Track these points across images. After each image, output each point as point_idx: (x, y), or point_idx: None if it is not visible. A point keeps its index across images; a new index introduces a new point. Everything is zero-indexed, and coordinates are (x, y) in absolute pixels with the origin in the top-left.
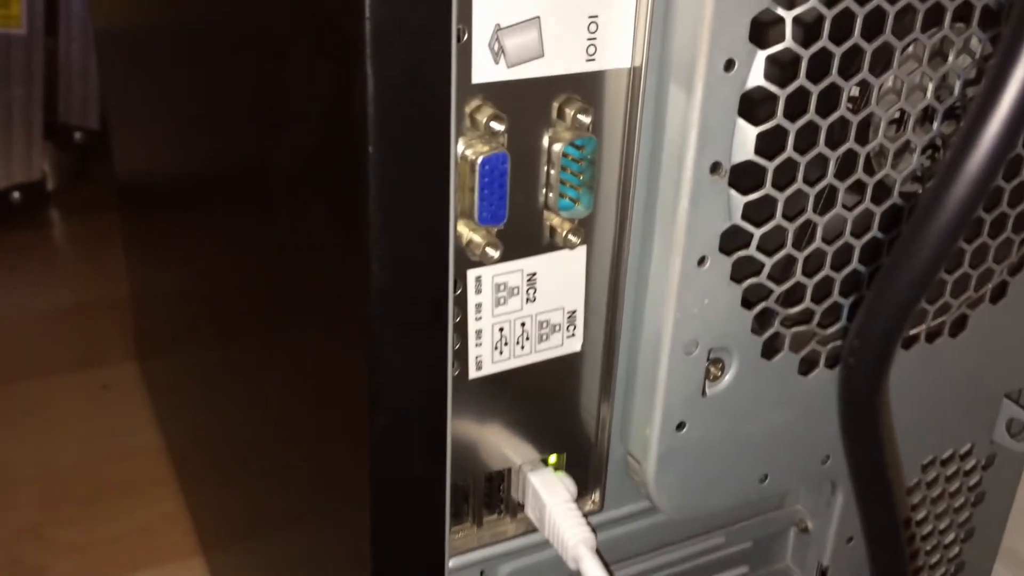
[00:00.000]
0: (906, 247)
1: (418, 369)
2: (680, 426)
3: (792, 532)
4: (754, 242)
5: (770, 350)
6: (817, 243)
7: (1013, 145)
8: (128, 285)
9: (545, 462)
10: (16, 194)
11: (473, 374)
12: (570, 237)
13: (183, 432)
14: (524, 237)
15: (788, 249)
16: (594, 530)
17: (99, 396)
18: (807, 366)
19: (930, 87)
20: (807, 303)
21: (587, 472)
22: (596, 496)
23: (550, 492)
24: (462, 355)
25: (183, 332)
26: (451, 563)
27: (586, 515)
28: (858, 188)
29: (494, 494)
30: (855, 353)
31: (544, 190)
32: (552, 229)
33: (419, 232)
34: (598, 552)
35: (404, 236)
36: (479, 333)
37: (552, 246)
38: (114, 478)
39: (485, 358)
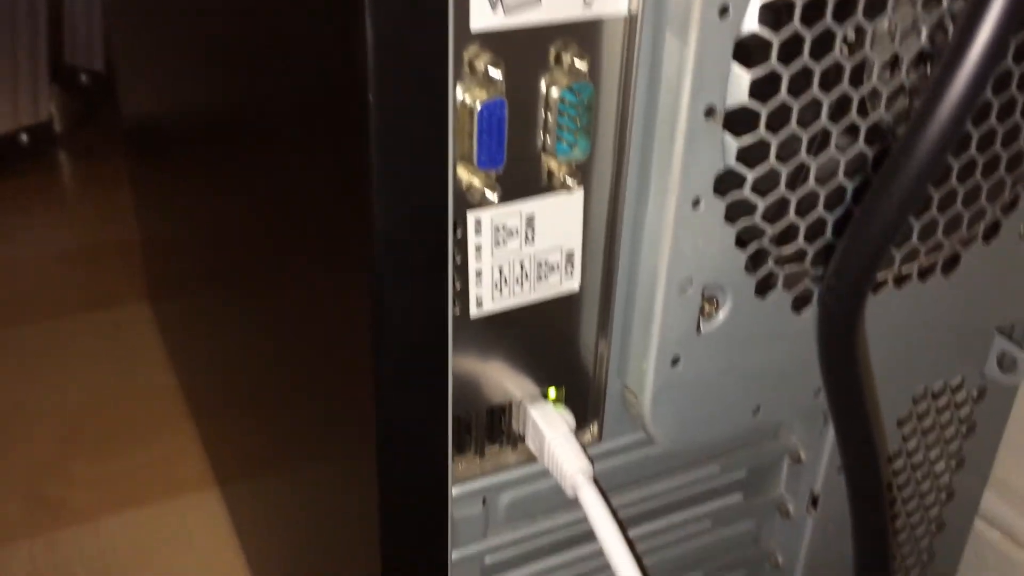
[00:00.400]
0: (879, 190)
1: (420, 308)
2: (675, 361)
3: (785, 462)
4: (748, 184)
5: (763, 288)
6: (810, 184)
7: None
8: (137, 226)
9: (545, 396)
10: (24, 136)
11: (474, 313)
12: (568, 180)
13: (195, 370)
14: (523, 180)
15: (781, 191)
16: (592, 460)
17: (112, 336)
18: (799, 303)
19: (924, 31)
20: (800, 243)
21: (585, 405)
22: (594, 428)
23: (549, 424)
24: (463, 295)
25: (193, 272)
26: (455, 491)
27: (584, 446)
28: (852, 131)
29: (496, 426)
30: (832, 291)
31: (542, 135)
32: (550, 173)
33: (419, 176)
34: (596, 481)
35: (405, 180)
36: (479, 273)
37: (550, 189)
38: (129, 415)
39: (485, 297)
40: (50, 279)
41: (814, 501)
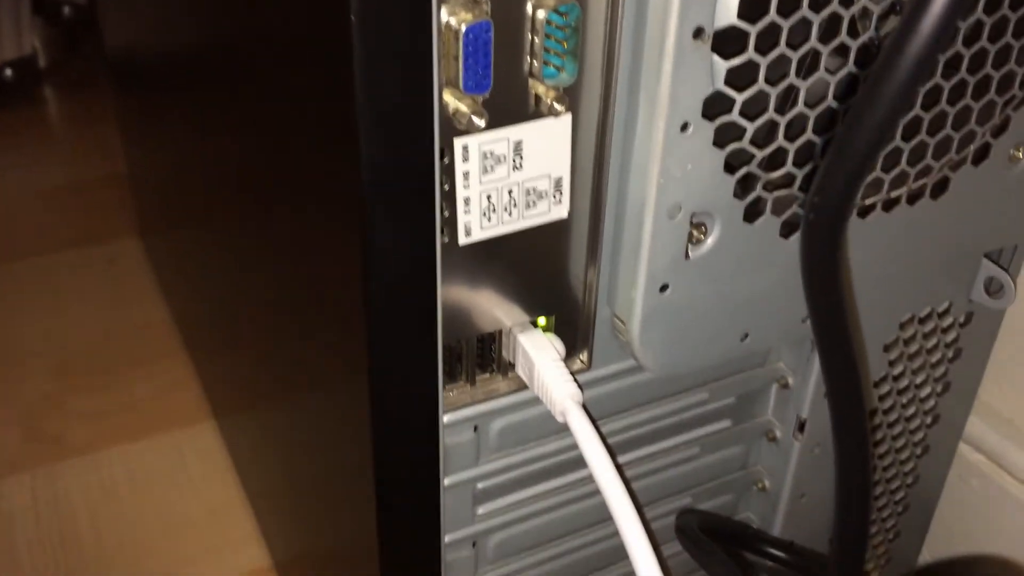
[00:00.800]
0: (861, 107)
1: (408, 235)
2: (664, 288)
3: (773, 388)
4: (736, 107)
5: (752, 214)
6: (800, 107)
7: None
8: (126, 161)
9: (535, 324)
10: (8, 71)
11: (463, 241)
12: (555, 105)
13: (189, 304)
14: (510, 106)
15: (770, 114)
16: (581, 387)
17: (104, 271)
18: (788, 229)
19: None
20: (789, 167)
21: (575, 333)
22: (584, 356)
23: (539, 351)
24: (451, 223)
25: (184, 207)
26: (446, 418)
27: (574, 374)
28: (842, 51)
29: (486, 354)
30: (815, 209)
31: (528, 58)
32: (537, 97)
33: (405, 101)
34: (584, 407)
35: (390, 106)
36: (467, 201)
37: (538, 114)
38: (124, 349)
39: (474, 225)
40: (40, 215)
41: (801, 426)
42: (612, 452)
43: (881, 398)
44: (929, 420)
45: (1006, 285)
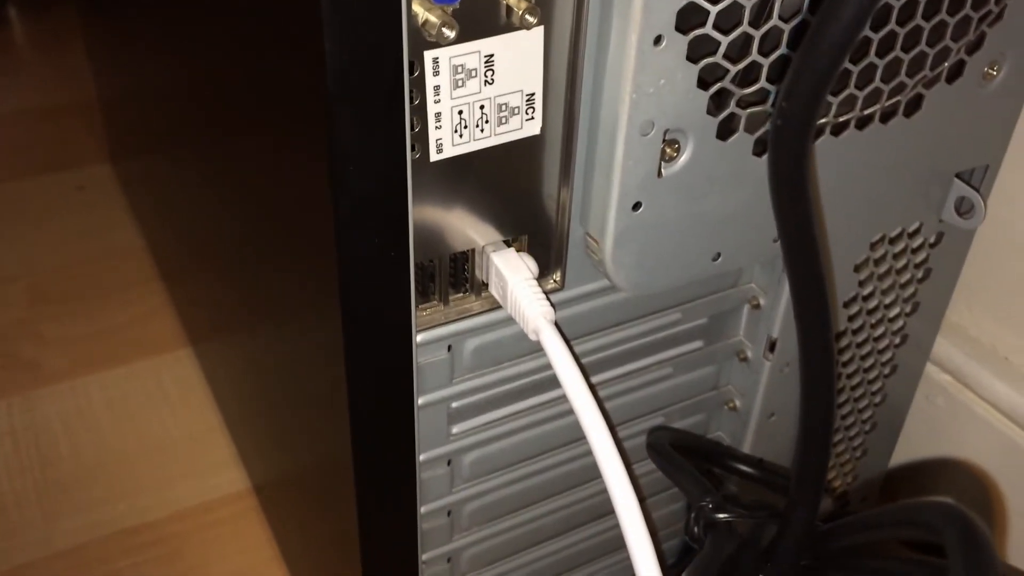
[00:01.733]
0: (828, 11)
1: (377, 150)
2: (636, 206)
3: (745, 308)
4: (710, 20)
5: (725, 131)
6: (774, 21)
7: None
8: (95, 84)
9: (508, 244)
10: None
11: (434, 157)
12: (527, 17)
13: (163, 230)
14: (480, 17)
15: (744, 27)
16: (554, 306)
17: (75, 197)
18: (761, 147)
19: None
20: (762, 83)
21: (548, 253)
22: (557, 276)
23: (512, 270)
24: (422, 138)
25: (154, 130)
26: (419, 338)
27: (547, 293)
28: None
29: (459, 274)
30: (783, 115)
31: None
32: (509, 8)
33: (371, 10)
34: (557, 326)
35: (356, 14)
36: (438, 116)
37: (509, 27)
38: (98, 276)
39: (445, 141)
40: (8, 141)
41: (771, 346)
42: (585, 372)
43: (850, 318)
44: (897, 340)
45: (976, 205)
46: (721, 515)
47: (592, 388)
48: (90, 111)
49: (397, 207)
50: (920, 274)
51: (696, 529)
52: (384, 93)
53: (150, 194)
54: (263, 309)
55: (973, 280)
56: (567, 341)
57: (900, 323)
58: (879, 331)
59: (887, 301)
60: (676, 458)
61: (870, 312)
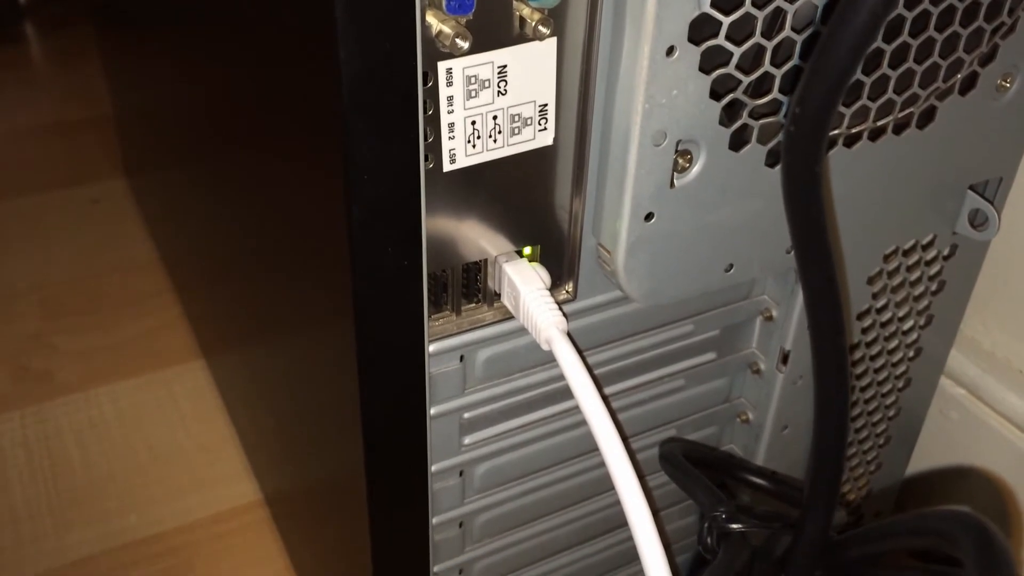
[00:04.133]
0: (841, 17)
1: (391, 161)
2: (648, 217)
3: (758, 320)
4: (723, 31)
5: (738, 142)
6: (787, 32)
7: None
8: (110, 101)
9: (520, 254)
10: None
11: (447, 167)
12: (540, 28)
13: (177, 243)
14: (494, 28)
15: (757, 38)
16: (566, 316)
17: (90, 211)
18: (774, 158)
19: None
20: (775, 94)
21: (561, 263)
22: (569, 287)
23: (524, 280)
24: (435, 148)
25: (168, 145)
26: (432, 348)
27: (560, 304)
28: None
29: (472, 284)
30: (796, 122)
31: None
32: (522, 20)
33: (386, 22)
34: (569, 336)
35: (372, 26)
36: (451, 126)
37: (522, 38)
38: (112, 289)
39: (458, 151)
40: (24, 155)
41: (784, 358)
42: (598, 382)
43: (864, 331)
44: (911, 353)
45: (991, 217)
46: (734, 525)
47: (605, 399)
48: (105, 126)
49: (411, 217)
50: (934, 287)
51: (709, 540)
52: (398, 103)
53: (164, 207)
54: (276, 320)
55: (987, 293)
56: (579, 351)
57: (914, 336)
58: (893, 344)
59: (901, 314)
60: (689, 469)
61: (884, 325)
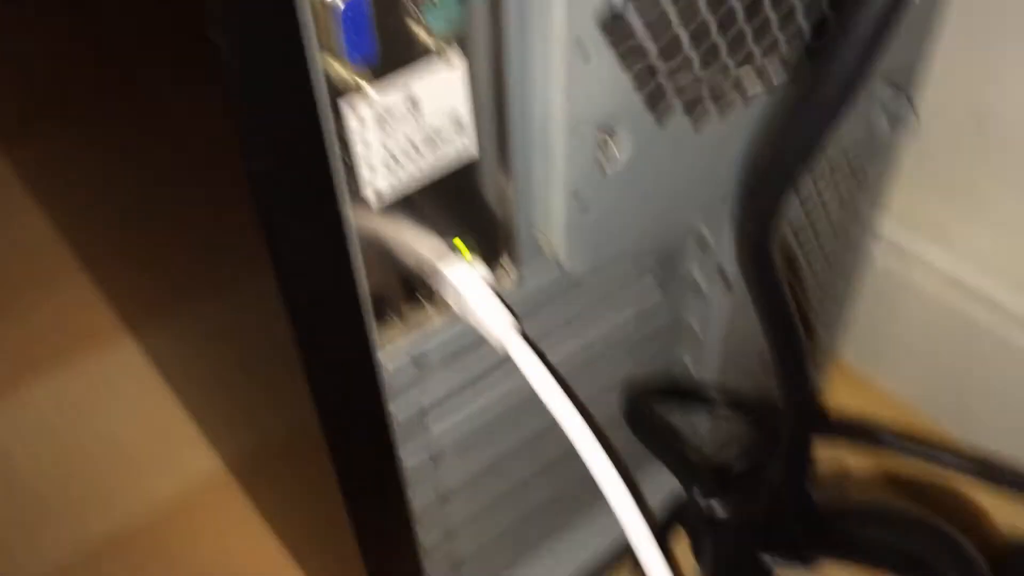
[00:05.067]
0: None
1: (313, 209)
2: (585, 208)
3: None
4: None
5: (663, 118)
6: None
7: None
8: None
9: (460, 254)
10: None
11: (375, 205)
12: (446, 52)
13: (77, 216)
14: (400, 62)
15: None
16: (516, 315)
17: None
18: (699, 118)
19: None
20: (686, 50)
21: (500, 256)
22: (512, 275)
23: (467, 285)
24: (357, 185)
25: (50, 107)
26: (383, 356)
27: (505, 295)
28: None
29: (416, 291)
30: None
31: (411, 7)
32: (425, 45)
33: (283, 78)
34: (523, 333)
35: (266, 86)
36: (372, 166)
37: (430, 66)
38: (14, 273)
39: (381, 184)
40: None
41: (722, 275)
42: (559, 376)
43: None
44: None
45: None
46: (712, 500)
47: (569, 390)
48: None
49: (343, 271)
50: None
51: (692, 522)
52: (307, 152)
53: (58, 178)
54: (201, 292)
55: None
56: (533, 345)
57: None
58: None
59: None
60: (657, 436)
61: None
